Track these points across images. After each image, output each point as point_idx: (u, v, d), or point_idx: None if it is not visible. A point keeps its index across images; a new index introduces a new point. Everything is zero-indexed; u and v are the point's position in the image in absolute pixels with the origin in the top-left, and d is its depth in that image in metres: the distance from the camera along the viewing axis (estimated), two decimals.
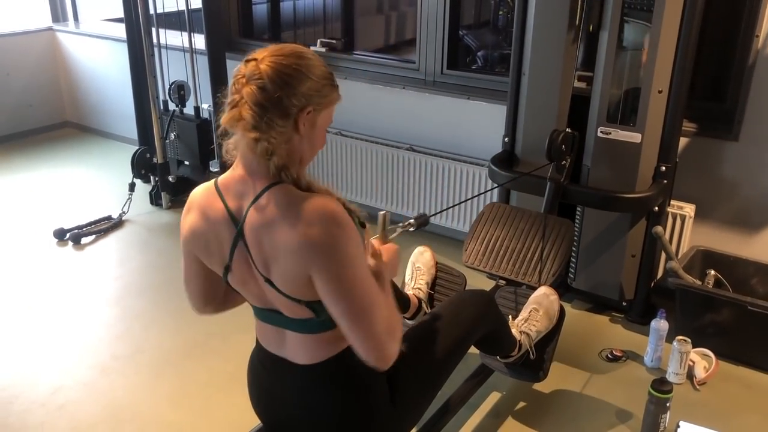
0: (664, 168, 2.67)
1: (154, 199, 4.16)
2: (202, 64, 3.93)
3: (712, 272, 2.80)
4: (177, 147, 4.10)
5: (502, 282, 2.52)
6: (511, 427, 2.30)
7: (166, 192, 4.10)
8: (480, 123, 3.39)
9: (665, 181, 2.68)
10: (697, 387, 2.49)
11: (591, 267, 2.95)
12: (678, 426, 2.28)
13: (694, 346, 2.53)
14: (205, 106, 4.14)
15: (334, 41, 4.02)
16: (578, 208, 2.91)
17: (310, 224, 1.27)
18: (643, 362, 2.66)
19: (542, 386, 2.49)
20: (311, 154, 1.40)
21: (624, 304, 2.95)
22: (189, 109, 4.08)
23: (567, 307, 2.62)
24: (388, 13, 4.64)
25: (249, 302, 1.51)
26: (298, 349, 1.46)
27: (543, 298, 2.17)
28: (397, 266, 1.56)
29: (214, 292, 1.56)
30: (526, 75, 2.84)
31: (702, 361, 2.57)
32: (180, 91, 4.02)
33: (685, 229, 2.91)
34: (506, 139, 2.99)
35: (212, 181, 1.43)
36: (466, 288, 2.34)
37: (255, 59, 1.31)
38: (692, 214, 2.90)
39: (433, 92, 3.55)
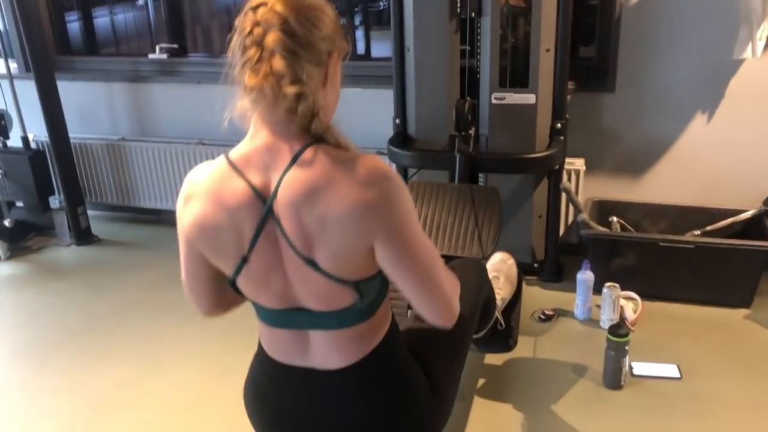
0: (559, 125, 2.73)
1: None
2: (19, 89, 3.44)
3: (615, 219, 2.93)
4: (5, 186, 3.53)
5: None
6: (481, 407, 2.21)
7: (1, 240, 3.50)
8: (360, 110, 3.26)
9: (562, 138, 2.75)
10: (632, 328, 2.57)
11: (501, 233, 2.95)
12: (631, 367, 2.33)
13: None
14: (32, 136, 3.61)
15: (175, 46, 3.68)
16: (480, 177, 2.90)
17: (368, 185, 1.10)
18: (574, 316, 2.70)
19: (493, 359, 2.43)
20: (333, 110, 1.21)
21: (535, 265, 2.99)
22: (15, 141, 3.54)
23: None
24: (223, 19, 4.37)
25: (260, 305, 1.24)
26: (327, 352, 1.23)
27: (501, 264, 2.10)
28: None
29: (225, 289, 1.27)
30: (410, 50, 2.76)
31: (629, 303, 2.66)
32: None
33: (580, 183, 3.01)
34: (397, 120, 2.89)
35: (220, 158, 1.17)
36: None
37: (262, 4, 1.09)
38: (583, 167, 3.00)
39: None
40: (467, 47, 2.79)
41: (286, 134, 1.13)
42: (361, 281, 1.16)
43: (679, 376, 2.30)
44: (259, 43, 1.08)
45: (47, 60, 3.45)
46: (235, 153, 1.16)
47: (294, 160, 1.11)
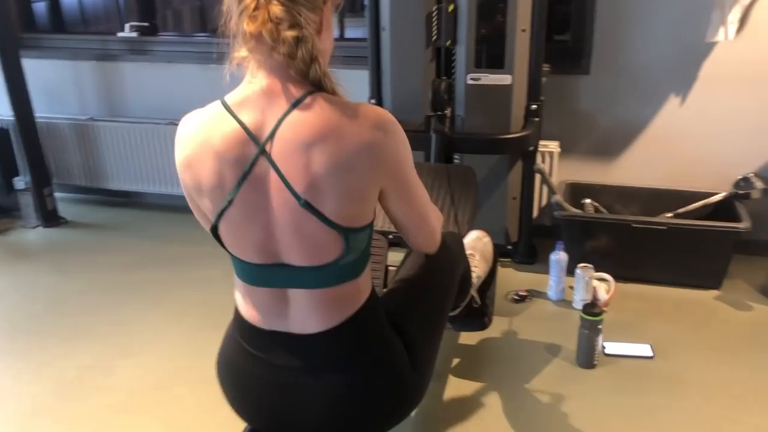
0: (535, 106, 2.73)
1: None
2: None
3: (588, 201, 2.94)
4: None
5: None
6: (456, 385, 2.20)
7: None
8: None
9: (537, 119, 2.74)
10: (605, 309, 2.58)
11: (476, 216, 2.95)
12: (604, 347, 2.34)
13: None
14: None
15: (145, 24, 3.60)
16: (456, 158, 2.88)
17: (377, 128, 1.15)
18: (548, 297, 2.71)
19: (467, 339, 2.43)
20: (329, 58, 1.22)
21: (509, 247, 2.99)
22: None
23: None
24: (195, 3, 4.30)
25: (240, 261, 1.22)
26: (307, 314, 1.21)
27: (477, 242, 2.08)
28: None
29: None
30: (386, 30, 2.73)
31: (601, 284, 2.67)
32: None
33: (554, 166, 3.01)
34: (373, 100, 2.87)
35: (215, 102, 1.18)
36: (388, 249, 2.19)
37: None
38: (558, 150, 3.01)
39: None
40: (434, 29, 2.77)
41: (284, 79, 1.15)
42: (352, 230, 1.17)
43: (651, 355, 2.32)
44: None
45: (11, 37, 3.35)
46: (230, 97, 1.17)
47: (295, 104, 1.13)
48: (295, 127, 1.12)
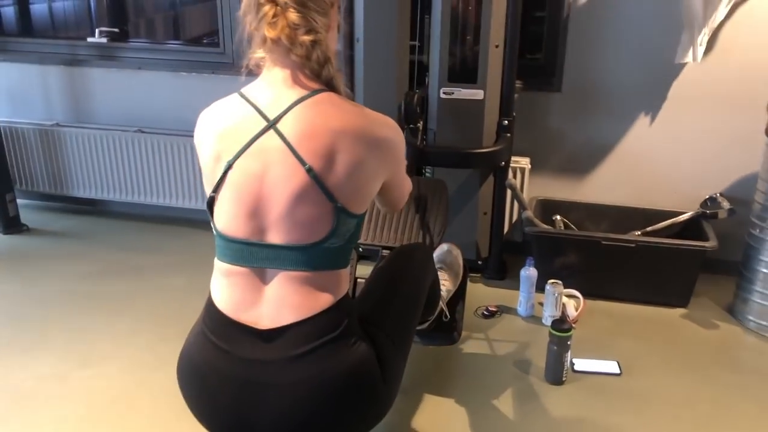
0: (506, 122, 2.74)
1: None
2: None
3: (558, 217, 2.95)
4: None
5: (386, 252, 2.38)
6: (424, 401, 2.17)
7: None
8: None
9: (509, 135, 2.75)
10: (574, 326, 2.58)
11: (446, 229, 2.93)
12: (573, 363, 2.34)
13: None
14: None
15: (116, 30, 3.55)
16: (427, 172, 2.88)
17: (385, 126, 1.33)
18: (517, 313, 2.70)
19: (436, 354, 2.41)
20: (335, 57, 1.37)
21: (479, 263, 2.98)
22: None
23: None
24: (169, 12, 4.25)
25: (224, 237, 1.27)
26: (282, 301, 1.22)
27: (447, 255, 2.08)
28: None
29: None
30: (360, 41, 2.73)
31: (570, 300, 2.67)
32: None
33: (525, 182, 3.02)
34: None
35: (233, 94, 1.34)
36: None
37: None
38: (528, 166, 3.02)
39: (245, 74, 3.28)
40: (417, 43, 2.78)
41: (298, 76, 1.29)
42: (345, 211, 1.25)
43: (619, 372, 2.32)
44: (272, 0, 1.24)
45: None
46: (246, 89, 1.33)
47: (308, 96, 1.27)
48: (309, 113, 1.25)
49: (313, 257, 1.22)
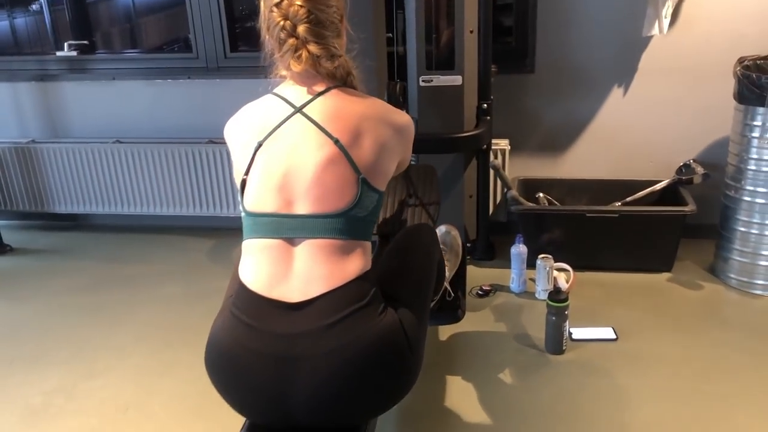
0: (485, 105, 2.80)
1: None
2: None
3: (542, 195, 3.02)
4: None
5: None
6: (430, 379, 2.23)
7: None
8: None
9: (488, 118, 2.81)
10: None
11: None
12: (571, 333, 2.41)
13: None
14: None
15: (85, 42, 3.52)
16: (412, 159, 2.92)
17: (404, 115, 1.50)
18: (511, 290, 2.77)
19: (438, 334, 2.46)
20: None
21: (468, 245, 3.05)
22: None
23: None
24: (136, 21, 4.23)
25: (254, 215, 1.35)
26: (311, 271, 1.27)
27: (446, 236, 2.13)
28: None
29: None
30: None
31: (561, 274, 2.75)
32: None
33: (505, 163, 3.09)
34: None
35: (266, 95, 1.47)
36: None
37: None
38: (508, 148, 3.09)
39: (221, 77, 3.30)
40: (392, 35, 2.83)
41: (318, 77, 1.42)
42: (368, 184, 1.34)
43: (615, 337, 2.40)
44: (293, 34, 1.35)
45: None
46: (276, 89, 1.46)
47: (331, 88, 1.40)
48: (335, 99, 1.38)
49: (340, 225, 1.28)
